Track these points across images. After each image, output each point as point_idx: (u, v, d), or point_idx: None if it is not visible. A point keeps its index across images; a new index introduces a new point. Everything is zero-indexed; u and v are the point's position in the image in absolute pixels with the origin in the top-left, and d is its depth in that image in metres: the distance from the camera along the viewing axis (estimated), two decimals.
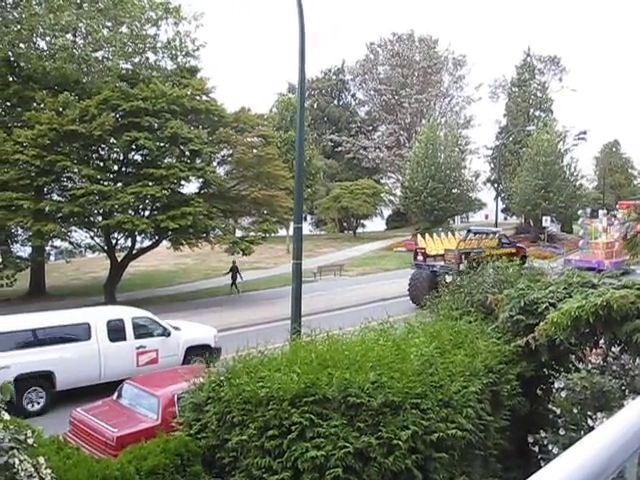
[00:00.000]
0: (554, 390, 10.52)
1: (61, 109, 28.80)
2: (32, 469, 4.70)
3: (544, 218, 60.36)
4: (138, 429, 11.07)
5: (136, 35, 32.29)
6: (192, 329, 19.44)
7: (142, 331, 17.60)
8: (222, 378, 8.78)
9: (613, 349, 10.44)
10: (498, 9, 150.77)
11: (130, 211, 29.22)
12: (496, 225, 49.73)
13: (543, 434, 9.58)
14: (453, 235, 39.44)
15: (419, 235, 38.56)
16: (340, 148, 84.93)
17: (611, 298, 8.82)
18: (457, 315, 11.20)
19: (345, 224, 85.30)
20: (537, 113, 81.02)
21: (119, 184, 29.38)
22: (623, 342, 9.75)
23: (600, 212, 48.25)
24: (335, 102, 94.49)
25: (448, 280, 12.19)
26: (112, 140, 29.91)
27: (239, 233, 36.88)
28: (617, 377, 10.15)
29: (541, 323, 9.45)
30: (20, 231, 31.69)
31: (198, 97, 32.36)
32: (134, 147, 29.75)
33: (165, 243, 33.73)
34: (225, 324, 24.41)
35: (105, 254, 33.82)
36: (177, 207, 28.53)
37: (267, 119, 39.87)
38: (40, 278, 35.64)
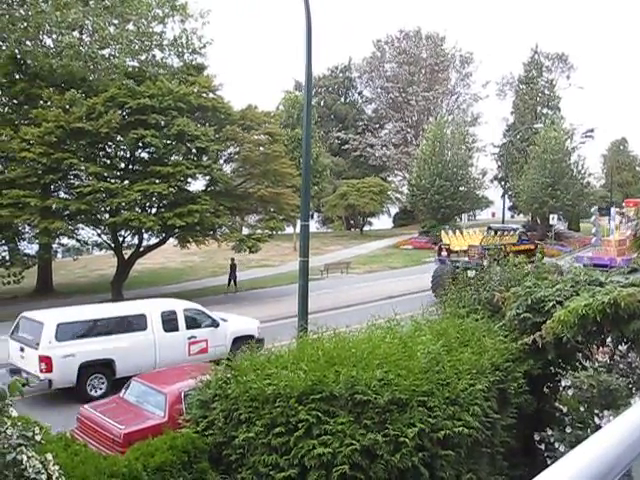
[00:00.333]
0: (561, 388, 10.51)
1: (68, 107, 28.83)
2: (40, 465, 4.71)
3: (551, 216, 60.22)
4: (145, 426, 11.09)
5: (142, 32, 32.32)
6: (238, 321, 20.42)
7: (193, 322, 18.53)
8: (229, 375, 8.79)
9: (620, 347, 10.42)
10: (506, 6, 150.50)
11: (137, 208, 29.25)
12: (503, 222, 49.74)
13: (550, 432, 9.57)
14: (474, 232, 41.12)
15: (443, 232, 40.54)
16: (347, 146, 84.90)
17: (618, 296, 8.80)
18: (464, 313, 11.19)
19: (352, 222, 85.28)
20: (544, 111, 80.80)
21: (126, 182, 29.42)
22: (630, 340, 9.73)
23: (612, 210, 48.19)
24: (342, 100, 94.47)
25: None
26: (119, 138, 29.91)
27: (246, 231, 36.89)
28: (624, 375, 10.14)
29: (548, 321, 9.43)
30: (27, 228, 31.78)
31: (205, 94, 32.36)
32: (141, 145, 29.76)
33: (172, 241, 33.77)
34: None
35: (112, 251, 33.86)
36: (184, 205, 28.55)
37: (274, 117, 39.82)
38: (47, 275, 35.74)
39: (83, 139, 28.58)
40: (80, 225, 31.18)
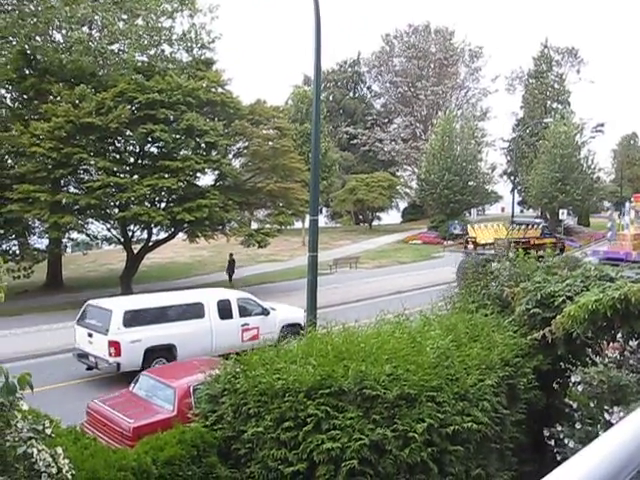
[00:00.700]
0: (570, 384, 10.46)
1: (77, 102, 28.90)
2: (50, 459, 4.73)
3: (561, 211, 60.05)
4: (154, 420, 11.13)
5: (151, 27, 32.38)
6: (286, 310, 21.47)
7: (245, 310, 19.70)
8: (238, 370, 8.80)
9: (631, 343, 10.37)
10: (516, 0, 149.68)
11: (146, 203, 29.30)
12: (512, 217, 49.81)
13: (559, 428, 9.54)
14: (499, 226, 43.79)
15: (469, 226, 43.91)
16: (356, 140, 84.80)
17: (629, 292, 8.75)
18: (473, 308, 11.16)
19: (361, 217, 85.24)
20: (554, 105, 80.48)
21: (135, 176, 29.48)
22: None
23: (627, 204, 48.22)
24: (351, 94, 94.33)
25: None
26: (128, 132, 29.99)
27: (255, 225, 36.93)
28: (634, 371, 10.09)
29: (558, 316, 9.38)
30: (37, 223, 31.94)
31: (214, 89, 32.37)
32: (150, 139, 29.81)
33: (181, 235, 33.84)
34: None
35: (121, 246, 33.97)
36: (193, 199, 28.59)
37: (283, 111, 39.82)
38: (57, 270, 35.91)
39: (93, 134, 28.65)
40: (90, 220, 31.31)
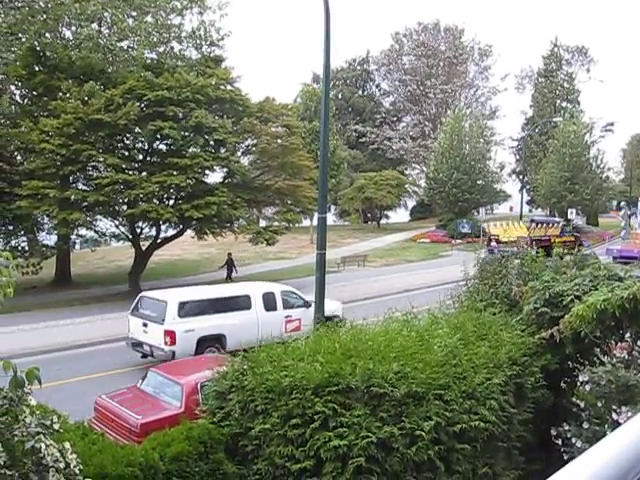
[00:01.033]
0: (578, 383, 10.43)
1: (86, 98, 28.94)
2: (58, 454, 4.74)
3: (569, 210, 59.81)
4: (162, 416, 11.14)
5: (161, 24, 32.42)
6: (325, 302, 20.83)
7: (288, 303, 20.46)
8: (245, 367, 8.81)
9: (639, 343, 10.33)
10: None
11: (155, 200, 29.30)
12: (521, 217, 49.89)
13: (566, 427, 9.52)
14: (519, 224, 45.25)
15: (491, 224, 45.22)
16: (364, 139, 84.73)
17: (638, 291, 8.72)
18: (481, 307, 11.15)
19: (369, 215, 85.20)
20: (564, 104, 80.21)
21: (144, 173, 29.53)
22: None
23: (639, 203, 48.50)
24: (359, 92, 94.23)
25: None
26: (137, 129, 29.99)
27: (263, 223, 36.94)
28: None
29: (566, 316, 9.36)
30: (46, 219, 32.02)
31: (223, 87, 32.35)
32: (159, 136, 29.82)
33: (189, 232, 33.87)
34: None
35: (130, 243, 34.04)
36: (201, 196, 28.59)
37: (291, 109, 39.76)
38: (65, 266, 36.01)
39: (101, 131, 28.68)
40: (98, 216, 31.34)
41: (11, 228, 31.17)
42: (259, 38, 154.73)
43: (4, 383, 4.60)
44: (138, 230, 32.84)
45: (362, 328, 9.85)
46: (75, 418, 8.49)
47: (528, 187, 76.14)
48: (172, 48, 33.64)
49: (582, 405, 9.86)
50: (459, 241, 56.56)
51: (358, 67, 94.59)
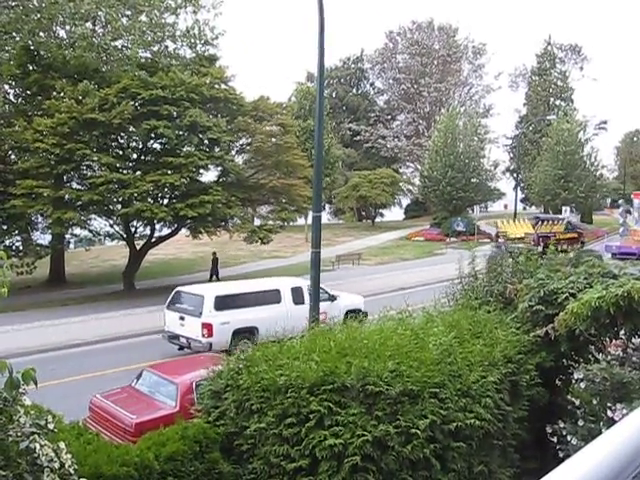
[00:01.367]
0: (573, 381, 10.45)
1: (81, 97, 28.89)
2: (53, 454, 4.73)
3: (564, 208, 59.97)
4: (156, 416, 11.13)
5: (155, 24, 32.34)
6: (348, 297, 23.34)
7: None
8: (241, 366, 8.79)
9: (633, 340, 10.34)
10: None
11: (149, 199, 29.29)
12: (515, 215, 50.27)
13: (562, 425, 9.53)
14: (524, 221, 47.78)
15: (499, 221, 47.92)
16: (359, 137, 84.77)
17: (632, 289, 8.73)
18: (476, 305, 11.14)
19: (363, 213, 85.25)
20: (557, 102, 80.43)
21: (138, 172, 29.51)
22: None
23: (636, 201, 48.72)
24: (354, 91, 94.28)
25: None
26: (131, 128, 29.98)
27: (257, 222, 36.93)
28: (637, 368, 10.06)
29: (561, 313, 9.37)
30: (40, 219, 31.96)
31: (217, 85, 32.35)
32: (153, 135, 29.81)
33: (184, 231, 33.84)
34: None
35: (124, 242, 34.00)
36: (196, 195, 28.58)
37: (286, 108, 39.77)
38: (60, 266, 35.95)
39: (96, 130, 28.65)
40: (92, 216, 31.32)
41: (5, 227, 31.06)
42: (253, 37, 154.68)
43: (1, 383, 4.58)
44: (132, 229, 32.83)
45: (357, 326, 9.84)
46: (70, 418, 8.46)
47: (522, 185, 76.31)
48: (166, 47, 33.57)
49: (577, 403, 9.88)
50: (453, 239, 56.64)
51: (352, 66, 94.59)
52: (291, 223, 40.07)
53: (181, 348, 19.30)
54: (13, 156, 32.80)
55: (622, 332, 9.89)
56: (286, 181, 33.14)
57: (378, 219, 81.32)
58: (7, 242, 31.74)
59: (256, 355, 8.87)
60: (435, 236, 60.03)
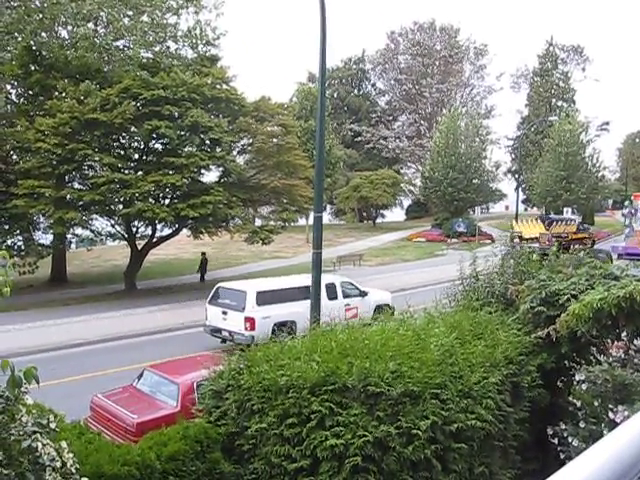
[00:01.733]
0: (574, 382, 10.45)
1: (82, 98, 28.91)
2: (54, 453, 4.73)
3: (565, 209, 59.95)
4: (158, 416, 11.14)
5: (157, 24, 32.36)
6: (377, 293, 24.25)
7: (347, 292, 22.45)
8: (242, 366, 8.80)
9: (635, 342, 10.34)
10: None
11: (150, 199, 29.28)
12: (517, 216, 50.59)
13: (563, 426, 9.52)
14: (536, 221, 49.34)
15: (513, 221, 48.45)
16: (360, 138, 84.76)
17: (634, 290, 8.73)
18: (477, 306, 11.15)
19: (364, 214, 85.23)
20: (559, 103, 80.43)
21: (140, 173, 29.49)
22: None
23: (637, 202, 49.25)
24: (355, 91, 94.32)
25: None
26: (133, 129, 29.96)
27: (259, 222, 36.92)
28: (639, 370, 10.06)
29: (562, 315, 9.36)
30: (42, 219, 31.96)
31: (218, 86, 32.31)
32: (155, 136, 29.78)
33: (185, 232, 33.83)
34: None
35: (125, 242, 34.01)
36: (197, 196, 28.56)
37: (287, 108, 39.71)
38: (61, 265, 35.97)
39: (97, 130, 28.65)
40: (94, 216, 31.30)
41: (7, 227, 31.08)
42: (255, 38, 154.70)
43: (2, 382, 4.59)
44: (134, 229, 32.82)
45: (358, 327, 9.84)
46: (71, 417, 8.47)
47: (524, 186, 76.27)
48: (168, 47, 33.59)
49: (578, 404, 9.87)
50: (454, 240, 56.64)
51: (354, 66, 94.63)
52: (292, 224, 40.07)
53: (224, 341, 20.13)
54: (15, 156, 32.81)
55: (624, 334, 9.89)
56: (287, 182, 33.12)
57: (379, 220, 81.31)
58: (9, 242, 31.76)
59: (257, 355, 8.87)
60: (436, 237, 60.02)
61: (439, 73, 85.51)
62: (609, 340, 10.21)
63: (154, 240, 33.40)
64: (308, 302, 19.53)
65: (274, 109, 34.77)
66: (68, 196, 28.82)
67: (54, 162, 28.40)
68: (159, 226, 32.75)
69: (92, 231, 33.87)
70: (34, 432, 4.65)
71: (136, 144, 32.27)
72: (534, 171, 70.19)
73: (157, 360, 16.05)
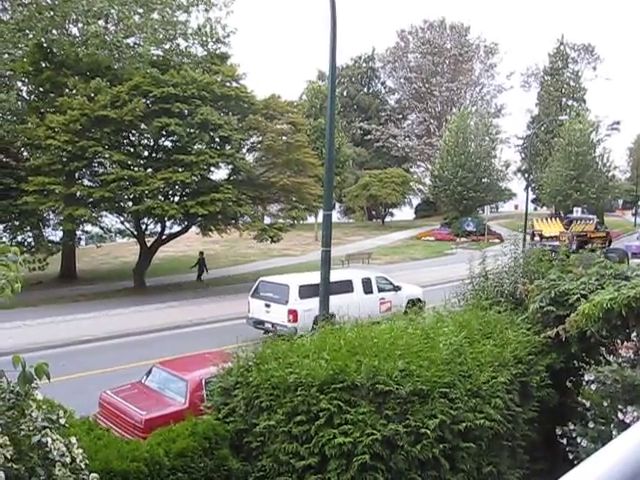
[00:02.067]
0: (584, 382, 10.41)
1: (93, 95, 28.98)
2: (64, 449, 4.75)
3: (575, 209, 59.73)
4: (166, 412, 11.15)
5: (167, 21, 32.43)
6: (409, 287, 25.08)
7: (381, 287, 23.17)
8: (251, 363, 8.81)
9: None
10: None
11: (160, 197, 29.34)
12: (526, 216, 50.12)
13: (572, 426, 9.49)
14: (555, 220, 51.48)
15: (534, 220, 49.58)
16: (369, 136, 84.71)
17: None
18: (487, 305, 11.13)
19: (373, 212, 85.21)
20: (570, 102, 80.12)
21: (149, 170, 29.55)
22: None
23: None
24: (365, 90, 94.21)
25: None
26: (143, 126, 30.01)
27: (268, 220, 36.94)
28: None
29: (572, 314, 9.33)
30: (52, 215, 32.09)
31: (228, 84, 32.31)
32: (164, 133, 29.83)
33: (194, 229, 33.89)
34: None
35: (135, 239, 34.09)
36: (206, 193, 28.59)
37: (297, 106, 39.66)
38: (71, 262, 36.08)
39: (107, 127, 28.70)
40: (103, 212, 31.39)
41: (17, 223, 31.22)
42: (265, 35, 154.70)
43: (12, 378, 4.61)
44: (143, 226, 32.89)
45: (367, 325, 9.84)
46: (80, 413, 8.50)
47: (533, 185, 76.01)
48: (178, 45, 33.65)
49: (587, 404, 9.84)
50: (464, 239, 56.54)
51: (363, 64, 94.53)
52: (301, 222, 40.05)
53: (266, 332, 20.25)
54: (25, 153, 32.96)
55: (634, 334, 9.85)
56: (296, 179, 33.09)
57: (388, 218, 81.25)
58: (19, 238, 31.91)
59: (266, 353, 8.88)
60: (445, 236, 59.92)
61: (449, 72, 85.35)
62: (619, 340, 10.17)
63: (163, 237, 33.47)
64: (347, 296, 20.94)
65: (284, 107, 34.74)
66: (78, 193, 28.91)
67: (64, 159, 28.49)
68: (168, 223, 32.81)
69: (102, 228, 34.00)
70: (44, 427, 4.67)
71: (146, 141, 32.32)
72: (544, 170, 69.98)
73: (166, 357, 16.11)
